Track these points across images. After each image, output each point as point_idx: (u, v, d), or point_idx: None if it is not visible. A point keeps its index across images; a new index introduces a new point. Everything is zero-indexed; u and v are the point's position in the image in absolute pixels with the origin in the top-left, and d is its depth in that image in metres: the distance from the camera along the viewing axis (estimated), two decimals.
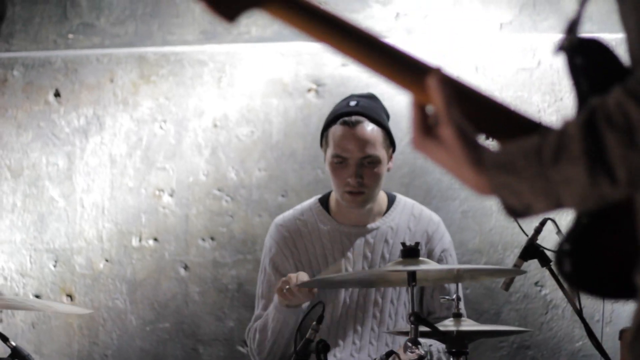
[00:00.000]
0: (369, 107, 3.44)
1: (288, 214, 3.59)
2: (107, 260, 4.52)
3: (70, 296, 4.51)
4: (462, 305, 3.57)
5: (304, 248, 3.49)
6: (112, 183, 4.56)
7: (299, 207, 3.59)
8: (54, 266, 4.54)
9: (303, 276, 3.25)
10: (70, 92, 4.63)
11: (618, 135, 1.21)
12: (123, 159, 4.56)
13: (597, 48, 1.42)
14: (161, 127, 4.57)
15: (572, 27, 1.42)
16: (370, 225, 3.50)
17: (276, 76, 4.55)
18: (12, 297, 4.06)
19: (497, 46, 4.47)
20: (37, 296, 4.51)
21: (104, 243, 4.52)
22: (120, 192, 4.54)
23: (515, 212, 1.35)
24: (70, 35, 4.68)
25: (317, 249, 3.49)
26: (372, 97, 3.52)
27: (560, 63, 4.82)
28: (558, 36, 4.77)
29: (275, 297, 3.34)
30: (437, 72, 1.39)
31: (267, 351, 3.42)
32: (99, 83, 4.63)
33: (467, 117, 1.37)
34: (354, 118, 3.40)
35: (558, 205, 1.30)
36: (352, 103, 3.45)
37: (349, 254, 3.47)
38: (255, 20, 4.52)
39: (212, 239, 4.49)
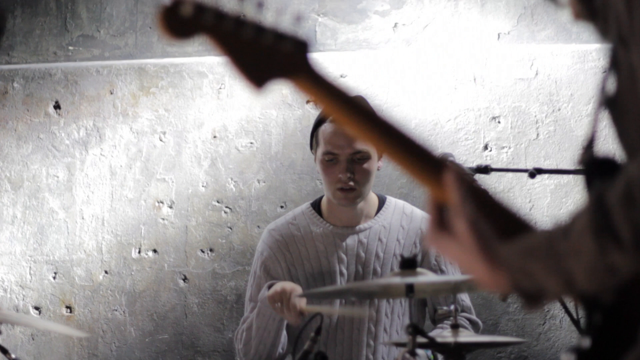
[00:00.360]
0: None
1: (280, 220, 3.61)
2: (106, 272, 4.53)
3: (69, 308, 4.52)
4: (472, 312, 3.57)
5: (297, 251, 3.50)
6: (111, 195, 4.56)
7: (290, 213, 3.61)
8: (54, 278, 4.54)
9: (297, 289, 3.25)
10: (70, 103, 4.64)
11: (620, 195, 1.24)
12: (123, 171, 4.57)
13: (612, 166, 1.46)
14: (161, 139, 4.58)
15: (589, 144, 1.47)
16: (362, 225, 3.51)
17: (275, 87, 4.55)
18: (8, 312, 4.06)
19: (495, 56, 4.48)
20: (36, 308, 4.52)
21: (104, 255, 4.53)
22: (120, 203, 4.55)
23: (530, 297, 1.38)
24: (71, 47, 4.69)
25: (310, 252, 3.49)
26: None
27: (558, 73, 4.79)
28: (556, 46, 4.73)
29: (262, 294, 3.35)
30: (453, 169, 1.45)
31: (253, 351, 3.42)
32: (98, 95, 4.64)
33: (480, 214, 1.42)
34: None
35: (570, 283, 1.33)
36: None
37: (342, 255, 3.47)
38: None
39: (211, 250, 4.50)
